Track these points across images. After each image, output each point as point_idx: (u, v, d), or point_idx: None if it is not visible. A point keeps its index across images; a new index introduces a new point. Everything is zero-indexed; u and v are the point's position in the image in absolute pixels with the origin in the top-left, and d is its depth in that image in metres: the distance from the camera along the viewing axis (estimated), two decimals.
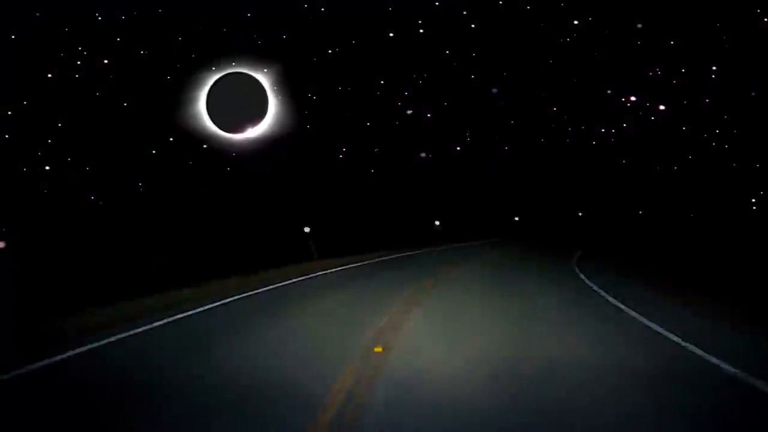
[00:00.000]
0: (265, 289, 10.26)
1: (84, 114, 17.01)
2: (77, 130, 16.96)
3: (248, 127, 18.85)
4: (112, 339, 5.99)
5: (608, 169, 23.35)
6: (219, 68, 18.21)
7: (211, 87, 18.09)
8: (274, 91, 18.92)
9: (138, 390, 4.27)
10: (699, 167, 20.37)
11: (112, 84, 17.81)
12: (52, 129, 16.69)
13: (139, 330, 6.47)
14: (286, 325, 6.93)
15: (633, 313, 7.11)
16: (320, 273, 13.27)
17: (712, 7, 17.96)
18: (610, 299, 8.40)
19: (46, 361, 5.03)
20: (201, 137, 19.00)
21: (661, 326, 6.18)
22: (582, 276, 11.91)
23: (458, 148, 27.84)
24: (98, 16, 17.10)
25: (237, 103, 18.55)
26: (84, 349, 5.55)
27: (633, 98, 21.27)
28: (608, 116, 22.62)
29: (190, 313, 7.64)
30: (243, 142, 19.42)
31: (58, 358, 5.18)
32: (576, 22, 21.40)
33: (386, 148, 26.68)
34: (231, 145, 19.67)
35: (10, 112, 15.44)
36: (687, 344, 5.34)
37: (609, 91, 21.86)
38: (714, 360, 4.75)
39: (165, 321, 7.02)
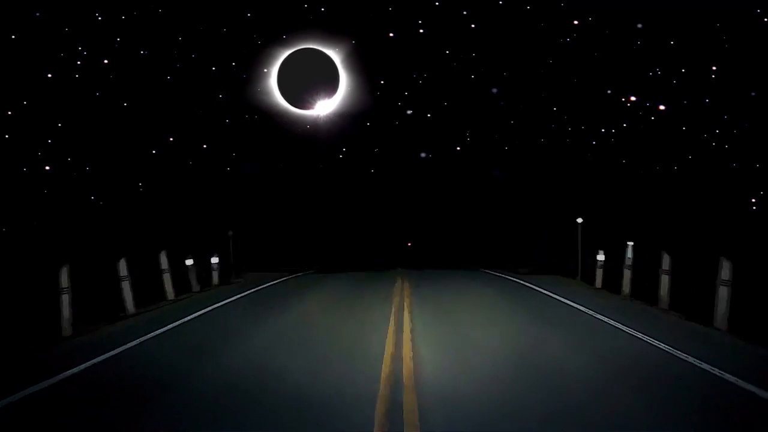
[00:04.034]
0: None
1: (84, 114, 17.03)
2: (77, 130, 16.97)
3: (319, 103, 19.02)
4: None
5: (608, 169, 23.37)
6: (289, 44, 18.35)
7: (283, 63, 18.25)
8: (345, 67, 19.13)
9: None
10: (699, 167, 20.36)
11: (112, 84, 17.84)
12: (52, 129, 16.71)
13: None
14: None
15: None
16: None
17: (712, 7, 17.95)
18: None
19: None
20: (272, 113, 19.29)
21: None
22: None
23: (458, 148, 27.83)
24: (98, 16, 17.13)
25: (307, 79, 18.65)
26: None
27: (633, 98, 21.25)
28: (608, 116, 22.59)
29: None
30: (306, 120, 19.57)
31: None
32: (576, 22, 21.40)
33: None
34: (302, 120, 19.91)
35: (10, 112, 15.46)
36: None
37: (609, 91, 21.83)
38: None
39: None
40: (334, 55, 19.53)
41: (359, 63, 20.60)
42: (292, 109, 20.01)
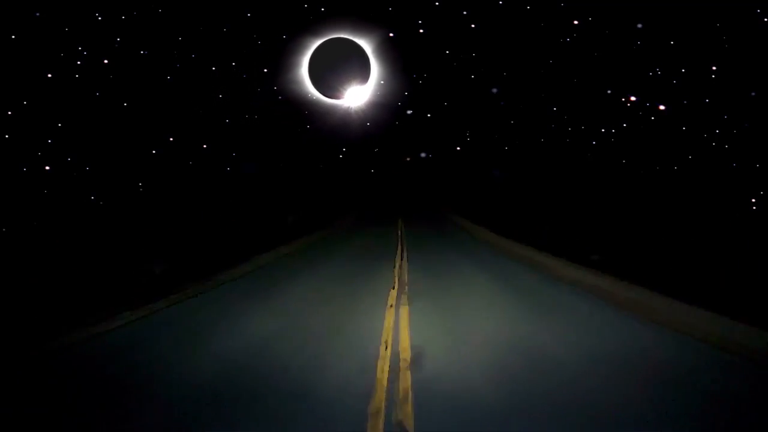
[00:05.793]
0: None
1: (84, 114, 17.03)
2: (77, 130, 16.98)
3: (349, 92, 19.07)
4: None
5: (608, 169, 23.38)
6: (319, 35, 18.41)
7: (314, 53, 18.31)
8: (376, 57, 19.23)
9: None
10: (699, 167, 20.37)
11: (112, 84, 17.85)
12: (52, 129, 16.71)
13: None
14: None
15: None
16: None
17: (712, 7, 17.95)
18: None
19: None
20: (303, 102, 19.42)
21: None
22: None
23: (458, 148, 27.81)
24: (98, 16, 17.13)
25: (339, 69, 18.72)
26: None
27: (633, 98, 21.26)
28: (608, 116, 22.60)
29: None
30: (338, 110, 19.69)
31: None
32: (576, 22, 21.41)
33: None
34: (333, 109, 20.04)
35: (10, 112, 15.46)
36: None
37: (609, 91, 21.84)
38: None
39: None
40: (366, 45, 19.65)
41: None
42: (324, 98, 20.18)
